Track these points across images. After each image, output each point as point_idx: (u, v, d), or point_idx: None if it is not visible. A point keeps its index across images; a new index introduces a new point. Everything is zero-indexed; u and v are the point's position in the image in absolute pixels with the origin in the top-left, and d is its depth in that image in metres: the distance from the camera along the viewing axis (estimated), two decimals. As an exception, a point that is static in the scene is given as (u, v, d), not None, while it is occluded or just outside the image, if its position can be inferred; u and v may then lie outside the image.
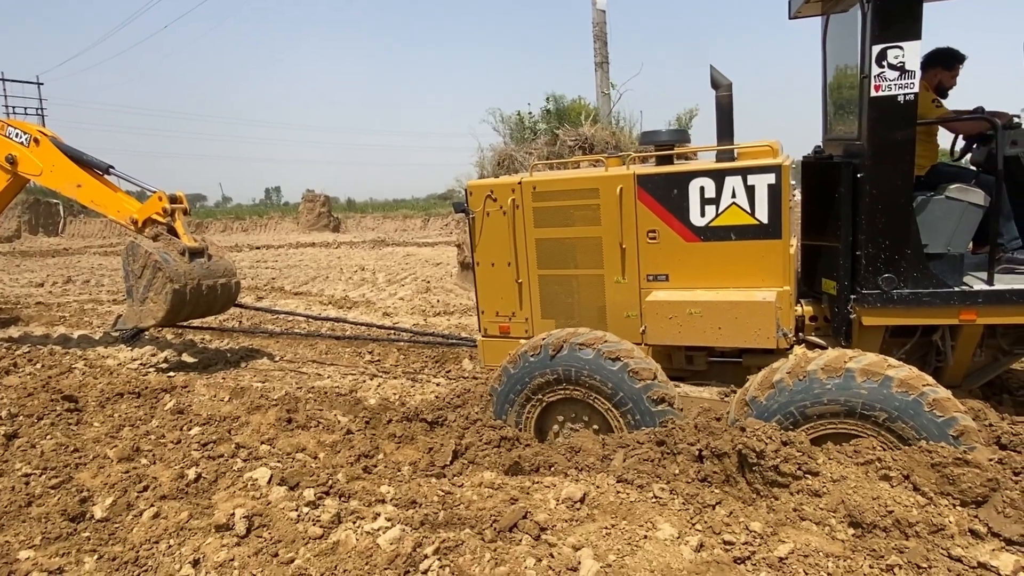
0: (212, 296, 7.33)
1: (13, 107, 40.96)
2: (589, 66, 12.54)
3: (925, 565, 2.50)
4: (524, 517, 2.93)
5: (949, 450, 2.88)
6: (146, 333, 8.40)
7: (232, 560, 2.85)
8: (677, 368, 4.31)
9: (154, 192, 7.36)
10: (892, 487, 2.84)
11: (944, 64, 4.46)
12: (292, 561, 2.79)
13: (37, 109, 42.91)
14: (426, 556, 2.70)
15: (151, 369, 7.16)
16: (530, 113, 12.39)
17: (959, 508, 2.74)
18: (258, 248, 24.89)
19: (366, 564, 2.69)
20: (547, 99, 12.34)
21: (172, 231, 7.26)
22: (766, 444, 2.98)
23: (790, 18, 4.69)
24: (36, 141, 7.62)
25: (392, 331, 8.32)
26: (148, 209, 7.31)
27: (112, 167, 7.64)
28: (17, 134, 7.69)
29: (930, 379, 3.19)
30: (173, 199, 7.35)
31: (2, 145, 7.69)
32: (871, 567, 2.54)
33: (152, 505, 3.36)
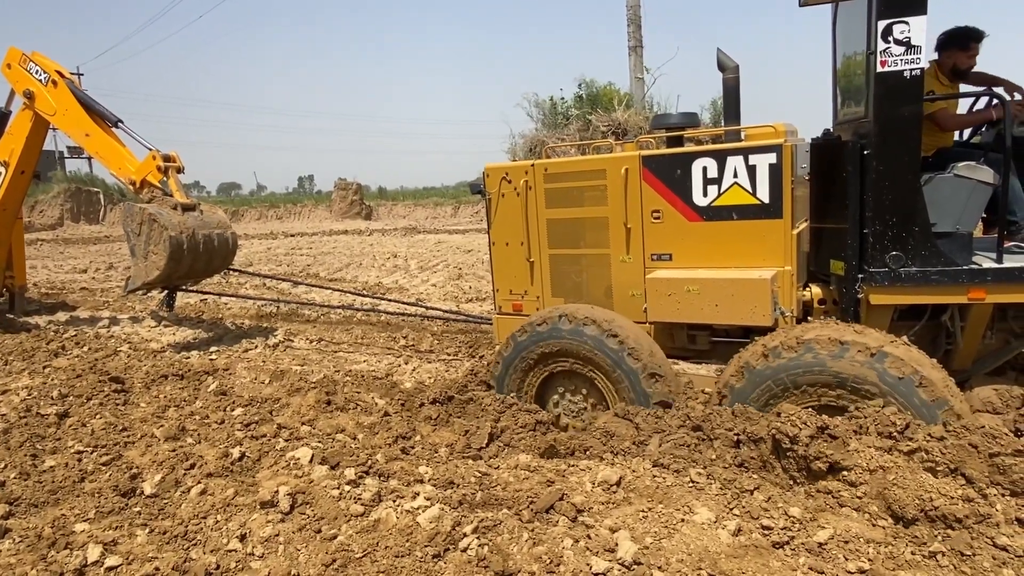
0: (210, 247, 7.52)
1: (56, 98, 41.87)
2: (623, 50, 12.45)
3: (969, 553, 2.47)
4: (561, 499, 2.95)
5: (1009, 440, 2.82)
6: (176, 300, 8.54)
7: (277, 536, 2.93)
8: (680, 347, 4.38)
9: (150, 150, 7.40)
10: (936, 478, 2.80)
11: (959, 45, 4.32)
12: (335, 537, 2.85)
13: (79, 99, 43.81)
14: (465, 535, 2.75)
15: (194, 352, 7.35)
16: (563, 99, 12.34)
17: (1008, 498, 2.69)
18: (292, 236, 25.25)
19: (407, 541, 2.74)
20: (579, 84, 12.28)
21: (166, 193, 7.39)
22: (800, 429, 2.97)
23: (800, 6, 4.63)
24: (54, 83, 7.61)
25: (409, 305, 8.56)
26: (144, 169, 7.36)
27: (121, 121, 7.66)
28: (38, 71, 7.68)
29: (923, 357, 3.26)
30: (167, 158, 7.41)
31: (23, 78, 7.73)
32: (913, 554, 2.52)
33: (199, 482, 3.46)
